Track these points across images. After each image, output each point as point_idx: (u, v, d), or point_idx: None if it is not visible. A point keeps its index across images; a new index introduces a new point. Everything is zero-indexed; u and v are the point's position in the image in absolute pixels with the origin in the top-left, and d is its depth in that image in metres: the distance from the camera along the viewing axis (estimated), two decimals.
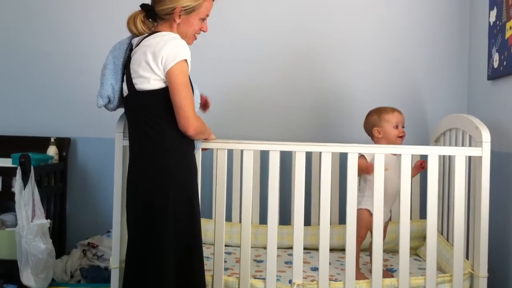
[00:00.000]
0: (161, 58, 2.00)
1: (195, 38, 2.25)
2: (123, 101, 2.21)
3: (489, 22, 3.01)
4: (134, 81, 2.07)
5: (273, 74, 3.46)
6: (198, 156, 2.36)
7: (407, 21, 3.46)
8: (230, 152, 2.47)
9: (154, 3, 2.14)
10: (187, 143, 2.16)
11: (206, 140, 2.35)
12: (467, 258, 2.63)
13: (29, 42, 3.50)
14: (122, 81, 2.16)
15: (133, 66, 2.08)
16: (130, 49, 2.18)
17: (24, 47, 3.50)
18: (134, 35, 2.17)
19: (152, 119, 2.07)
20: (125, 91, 2.13)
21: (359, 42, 3.47)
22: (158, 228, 2.05)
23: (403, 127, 2.79)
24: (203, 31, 2.25)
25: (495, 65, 2.91)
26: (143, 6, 2.16)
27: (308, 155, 2.69)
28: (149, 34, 2.12)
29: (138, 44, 2.12)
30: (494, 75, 2.93)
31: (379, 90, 3.45)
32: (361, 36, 3.47)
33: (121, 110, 2.53)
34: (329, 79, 3.46)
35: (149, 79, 2.03)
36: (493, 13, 2.96)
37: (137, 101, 2.10)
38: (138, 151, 2.13)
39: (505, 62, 2.78)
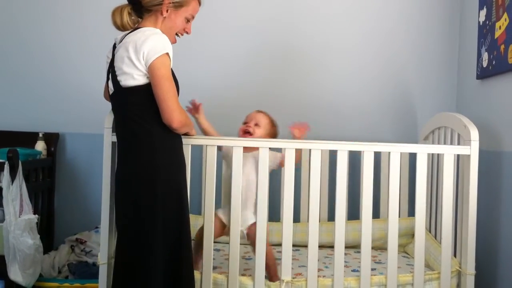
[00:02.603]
0: (143, 53, 1.98)
1: (175, 40, 2.22)
2: (110, 99, 2.20)
3: (479, 22, 3.03)
4: (118, 78, 2.05)
5: (263, 73, 3.46)
6: (188, 151, 2.36)
7: (397, 20, 3.48)
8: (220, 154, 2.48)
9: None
10: (174, 138, 2.14)
11: (187, 134, 2.33)
12: (455, 255, 2.65)
13: (16, 37, 3.46)
14: (108, 79, 2.16)
15: (116, 63, 2.06)
16: (114, 47, 2.18)
17: (11, 42, 3.46)
18: (118, 29, 2.14)
19: (138, 115, 2.05)
20: (111, 89, 2.12)
21: (350, 41, 3.47)
22: (147, 227, 2.04)
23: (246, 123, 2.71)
24: (187, 32, 2.23)
25: (484, 64, 2.92)
26: (128, 3, 2.15)
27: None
28: (132, 31, 2.10)
29: (121, 41, 2.11)
30: (483, 74, 2.95)
31: (369, 88, 3.46)
32: (352, 35, 3.47)
33: (109, 106, 2.53)
34: (319, 78, 3.46)
35: (132, 75, 2.01)
36: (483, 12, 2.97)
37: (122, 98, 2.08)
38: (126, 149, 2.12)
39: (494, 62, 2.80)
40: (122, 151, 2.15)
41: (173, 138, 2.14)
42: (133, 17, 2.14)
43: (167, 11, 2.10)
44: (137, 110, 2.05)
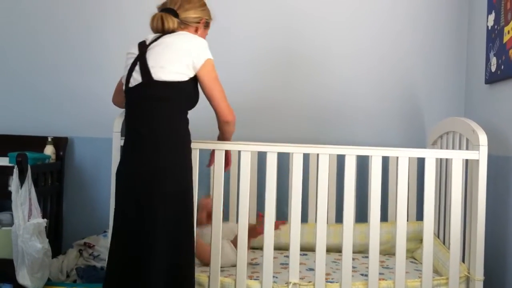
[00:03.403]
0: (193, 54, 2.14)
1: None
2: (129, 92, 2.20)
3: (487, 26, 3.02)
4: (152, 70, 2.11)
5: (271, 77, 3.46)
6: (196, 155, 2.37)
7: (405, 24, 3.47)
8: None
9: (179, 10, 2.26)
10: (189, 140, 2.21)
11: (228, 134, 2.40)
12: (463, 261, 2.63)
13: (27, 42, 3.49)
14: (130, 72, 2.18)
15: (153, 58, 2.14)
16: (141, 45, 2.23)
17: (21, 47, 3.49)
18: (156, 32, 2.25)
19: (166, 109, 2.12)
20: (137, 80, 2.15)
21: (357, 45, 3.47)
22: (180, 216, 2.11)
23: None
24: None
25: (493, 69, 2.91)
26: (169, 10, 2.26)
27: (305, 157, 2.69)
28: (168, 33, 2.22)
29: (155, 40, 2.19)
30: (492, 79, 2.94)
31: (377, 92, 3.45)
32: (359, 39, 3.47)
33: (118, 111, 2.54)
34: (327, 81, 3.46)
35: (173, 70, 2.11)
36: (491, 17, 2.97)
37: (151, 91, 2.13)
38: (147, 142, 2.10)
39: (502, 66, 2.79)
40: (141, 143, 2.12)
41: (189, 140, 2.20)
42: (178, 25, 2.27)
43: (196, 29, 2.32)
44: (166, 105, 2.12)
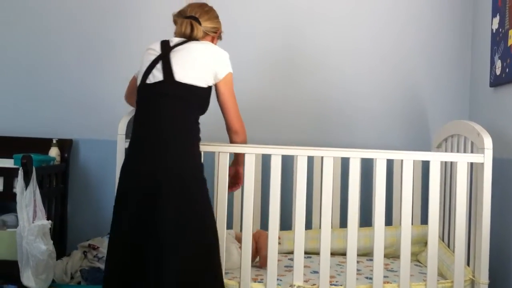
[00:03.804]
0: (216, 64, 2.23)
1: None
2: (146, 88, 2.21)
3: (492, 29, 3.02)
4: (175, 70, 2.17)
5: (274, 79, 3.47)
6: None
7: (409, 27, 3.47)
8: (232, 156, 2.48)
9: (201, 18, 2.33)
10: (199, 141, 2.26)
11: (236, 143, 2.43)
12: (468, 264, 2.62)
13: (31, 43, 3.50)
14: (150, 69, 2.21)
15: (177, 59, 2.19)
16: (164, 44, 2.27)
17: (26, 48, 3.50)
18: (182, 36, 2.30)
19: (184, 110, 2.16)
20: (158, 77, 2.18)
21: (360, 47, 3.47)
22: (208, 222, 2.15)
23: None
24: None
25: (498, 72, 2.91)
26: (194, 18, 2.32)
27: (310, 160, 2.69)
28: (191, 39, 2.29)
29: (180, 44, 2.25)
30: (497, 82, 2.94)
31: (381, 96, 3.45)
32: (363, 41, 3.47)
33: (122, 113, 2.54)
34: (331, 84, 3.46)
35: (194, 76, 2.17)
36: (496, 20, 2.96)
37: (171, 90, 2.16)
38: (163, 140, 2.11)
39: (507, 69, 2.79)
40: (153, 143, 2.11)
41: (199, 139, 2.25)
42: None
43: (212, 39, 2.40)
44: (183, 105, 2.16)
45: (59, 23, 3.50)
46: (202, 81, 2.19)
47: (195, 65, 2.20)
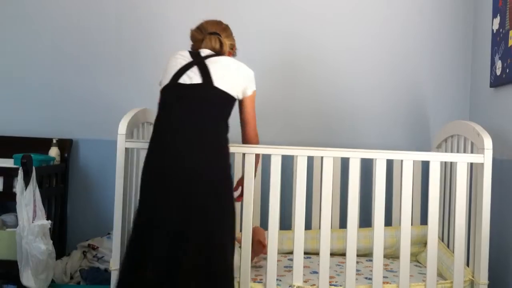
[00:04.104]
0: (246, 81, 2.35)
1: None
2: (172, 86, 2.27)
3: (492, 30, 3.02)
4: (213, 77, 2.25)
5: (274, 79, 3.46)
6: None
7: (410, 27, 3.47)
8: (232, 156, 2.48)
9: (222, 34, 2.44)
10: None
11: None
12: (468, 265, 2.62)
13: (31, 45, 3.50)
14: (183, 71, 2.27)
15: (212, 67, 2.28)
16: (193, 53, 2.37)
17: (26, 48, 3.50)
18: (211, 50, 2.39)
19: (219, 113, 2.26)
20: (195, 79, 2.25)
21: (361, 48, 3.47)
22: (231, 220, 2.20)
23: None
24: None
25: (498, 72, 2.91)
26: (217, 34, 2.42)
27: (310, 160, 2.69)
28: (221, 54, 2.39)
29: (211, 56, 2.34)
30: (497, 82, 2.93)
31: (382, 96, 3.45)
32: (363, 41, 3.47)
33: (123, 113, 2.54)
34: (331, 84, 3.46)
35: (227, 86, 2.27)
36: (496, 20, 2.96)
37: (210, 94, 2.24)
38: (197, 140, 2.16)
39: (507, 70, 2.79)
40: (187, 142, 2.15)
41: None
42: None
43: (229, 54, 2.49)
44: (219, 109, 2.26)
45: (58, 24, 3.50)
46: (233, 92, 2.29)
47: (229, 77, 2.29)
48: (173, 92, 2.26)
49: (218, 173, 2.16)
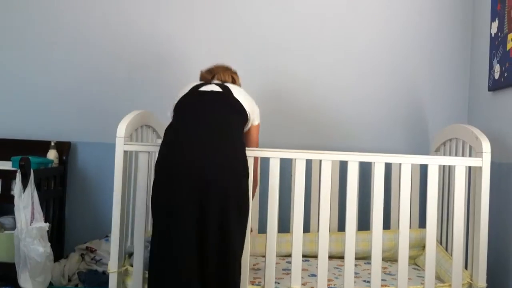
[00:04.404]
0: (254, 114, 2.50)
1: None
2: (195, 93, 2.40)
3: (491, 34, 3.02)
4: (233, 90, 2.43)
5: (273, 82, 3.47)
6: None
7: (408, 31, 3.48)
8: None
9: (234, 74, 2.64)
10: None
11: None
12: (466, 268, 2.62)
13: (30, 47, 3.50)
14: (201, 85, 2.44)
15: (231, 86, 2.47)
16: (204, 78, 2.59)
17: (24, 51, 3.50)
18: (223, 81, 2.53)
19: (237, 120, 2.38)
20: (215, 88, 2.41)
21: (360, 51, 3.47)
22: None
23: None
24: None
25: (496, 76, 2.91)
26: (232, 71, 2.64)
27: (308, 163, 2.69)
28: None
29: (225, 81, 2.53)
30: (495, 86, 2.94)
31: (379, 99, 3.46)
32: (362, 44, 3.47)
33: (121, 116, 2.54)
34: (330, 88, 3.46)
35: (246, 104, 2.43)
36: (495, 24, 2.97)
37: (228, 101, 2.39)
38: (218, 143, 2.22)
39: (506, 74, 2.79)
40: (208, 145, 2.19)
41: None
42: None
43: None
44: (236, 116, 2.38)
45: (57, 27, 3.50)
46: (248, 110, 2.43)
47: (245, 99, 2.44)
48: (193, 97, 2.39)
49: (241, 166, 2.23)
